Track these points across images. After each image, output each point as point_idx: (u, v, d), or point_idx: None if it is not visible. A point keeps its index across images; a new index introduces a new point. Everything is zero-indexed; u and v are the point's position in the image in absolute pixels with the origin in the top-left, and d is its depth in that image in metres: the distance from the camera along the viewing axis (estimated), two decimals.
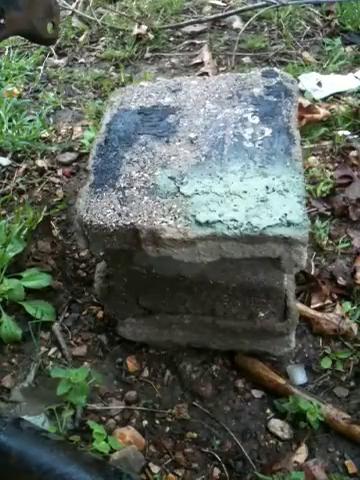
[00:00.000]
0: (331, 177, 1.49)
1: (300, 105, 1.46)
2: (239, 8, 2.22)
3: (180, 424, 1.05)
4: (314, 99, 1.75)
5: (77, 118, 1.82)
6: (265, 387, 1.08)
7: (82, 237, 0.92)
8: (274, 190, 0.89)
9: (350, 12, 2.14)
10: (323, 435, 1.02)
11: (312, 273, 1.26)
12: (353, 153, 1.56)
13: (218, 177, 0.92)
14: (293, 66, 1.91)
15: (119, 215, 0.89)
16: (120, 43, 2.16)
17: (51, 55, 2.13)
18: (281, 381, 1.06)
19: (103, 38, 2.21)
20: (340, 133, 1.63)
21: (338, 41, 2.02)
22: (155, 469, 0.98)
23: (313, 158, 1.55)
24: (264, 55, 2.03)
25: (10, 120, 1.71)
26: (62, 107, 1.87)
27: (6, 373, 1.13)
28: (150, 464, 0.99)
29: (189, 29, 2.22)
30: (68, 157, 1.65)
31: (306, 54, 2.01)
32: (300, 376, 1.09)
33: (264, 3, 2.09)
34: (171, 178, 0.93)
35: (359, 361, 1.11)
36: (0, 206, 1.43)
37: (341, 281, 1.24)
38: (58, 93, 1.93)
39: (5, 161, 1.64)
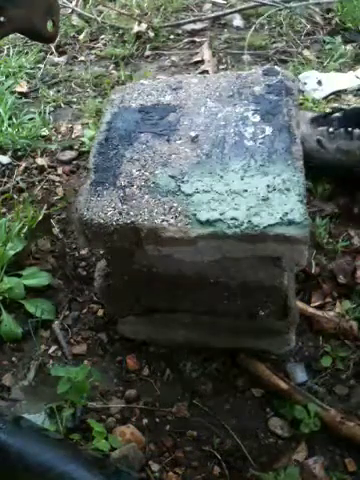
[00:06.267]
0: None
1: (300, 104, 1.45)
2: (239, 6, 2.22)
3: (180, 422, 1.05)
4: (314, 98, 1.75)
5: (77, 116, 1.81)
6: (265, 386, 1.08)
7: (82, 235, 0.92)
8: (275, 189, 0.88)
9: (350, 10, 2.13)
10: (323, 434, 1.02)
11: (312, 272, 1.26)
12: None
13: (219, 176, 0.92)
14: (293, 64, 1.91)
15: (119, 214, 0.89)
16: (120, 41, 2.15)
17: (51, 53, 2.13)
18: (281, 379, 1.06)
19: (103, 36, 2.20)
20: None
21: (338, 39, 2.01)
22: (155, 467, 0.98)
23: None
24: (264, 53, 2.02)
25: (10, 118, 1.71)
26: (62, 105, 1.86)
27: (6, 371, 1.13)
28: (150, 462, 0.99)
29: (189, 27, 2.21)
30: (68, 155, 1.65)
31: (306, 52, 2.00)
32: (300, 374, 1.09)
33: (265, 1, 2.09)
34: (172, 177, 0.93)
35: (359, 359, 1.12)
36: (0, 204, 1.43)
37: (341, 279, 1.24)
38: (58, 91, 1.92)
39: (5, 159, 1.63)
